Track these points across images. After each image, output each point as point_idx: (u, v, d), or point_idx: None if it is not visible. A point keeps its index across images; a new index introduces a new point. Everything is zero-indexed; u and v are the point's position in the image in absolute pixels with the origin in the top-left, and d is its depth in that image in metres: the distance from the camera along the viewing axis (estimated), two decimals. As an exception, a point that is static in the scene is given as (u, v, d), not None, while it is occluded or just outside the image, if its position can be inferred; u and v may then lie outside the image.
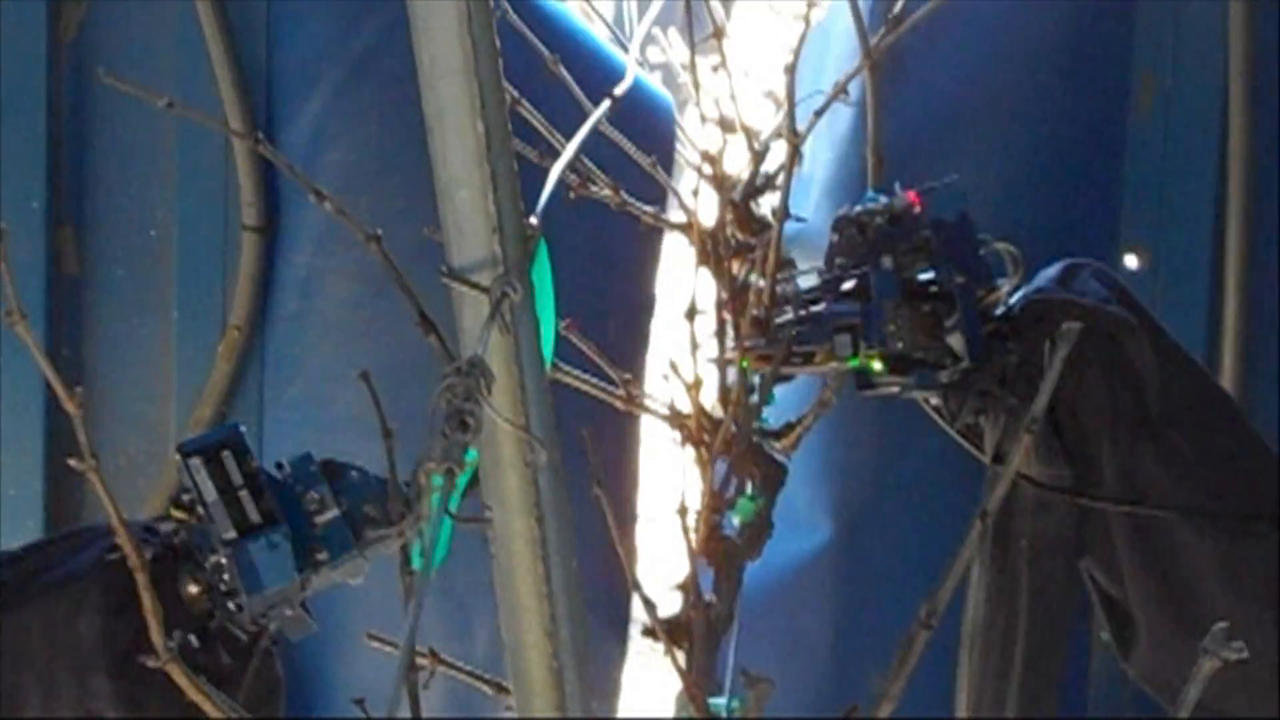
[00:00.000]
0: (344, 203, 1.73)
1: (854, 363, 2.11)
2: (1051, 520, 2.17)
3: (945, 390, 2.12)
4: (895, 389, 2.10)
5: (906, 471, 2.82)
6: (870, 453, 2.83)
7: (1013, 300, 2.12)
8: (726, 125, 2.69)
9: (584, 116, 2.17)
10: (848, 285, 2.14)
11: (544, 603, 1.55)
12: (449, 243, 1.47)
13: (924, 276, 2.10)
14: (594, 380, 2.36)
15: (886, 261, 2.11)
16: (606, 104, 2.06)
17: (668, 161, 2.70)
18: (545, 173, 1.70)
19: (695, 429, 2.31)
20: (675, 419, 2.33)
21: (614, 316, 2.85)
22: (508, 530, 1.54)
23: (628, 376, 2.38)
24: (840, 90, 2.41)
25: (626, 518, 2.88)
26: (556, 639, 1.56)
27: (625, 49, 2.70)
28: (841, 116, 2.73)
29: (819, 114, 2.39)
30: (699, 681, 2.00)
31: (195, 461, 1.67)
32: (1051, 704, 2.21)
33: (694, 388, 2.29)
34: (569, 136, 1.84)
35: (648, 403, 2.42)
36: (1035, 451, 2.11)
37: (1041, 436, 2.09)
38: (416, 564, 1.89)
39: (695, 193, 2.43)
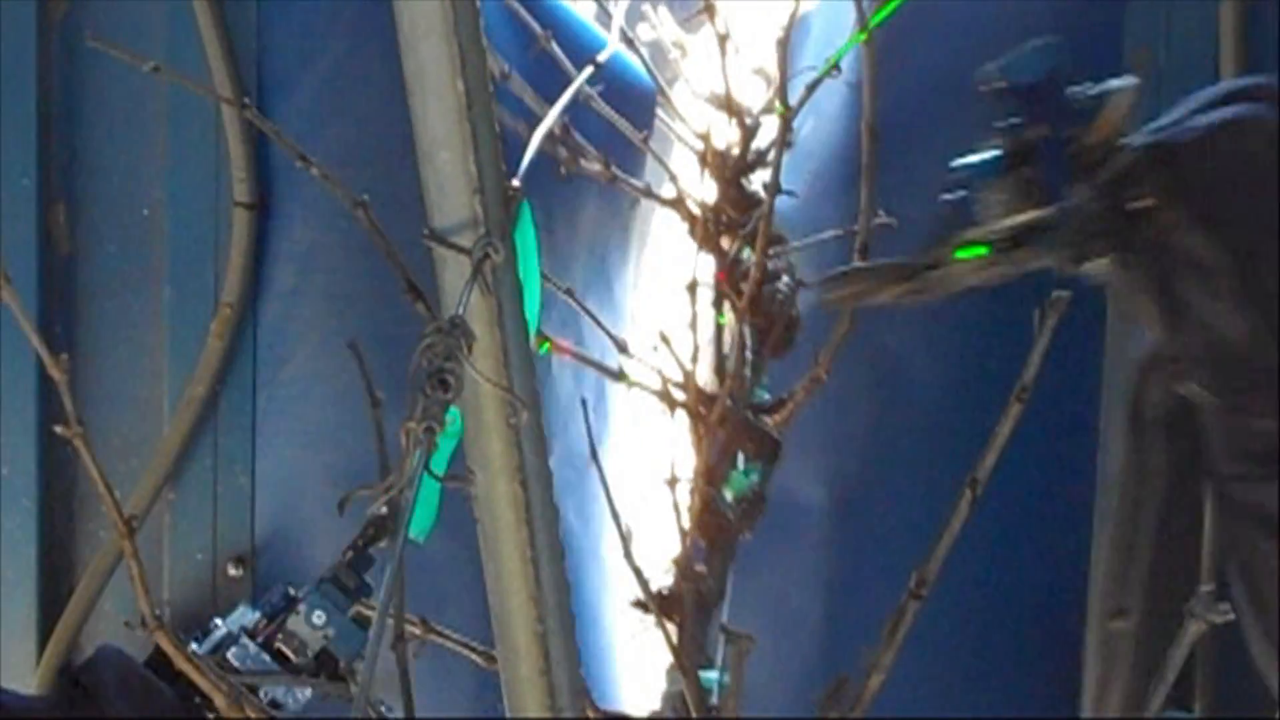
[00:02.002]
0: (343, 178, 1.72)
1: (961, 254, 2.13)
2: (1160, 387, 2.19)
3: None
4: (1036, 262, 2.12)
5: (900, 443, 2.82)
6: (864, 424, 2.82)
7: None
8: (717, 102, 2.69)
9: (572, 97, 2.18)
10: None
11: (528, 566, 1.54)
12: (430, 205, 1.46)
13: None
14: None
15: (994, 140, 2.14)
16: (589, 70, 2.06)
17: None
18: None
19: (691, 402, 2.31)
20: (666, 394, 2.33)
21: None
22: (492, 494, 1.53)
23: (624, 341, 2.39)
24: (832, 65, 2.41)
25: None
26: (541, 603, 1.56)
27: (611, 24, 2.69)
28: (833, 93, 2.72)
29: (811, 88, 2.39)
30: (690, 653, 2.01)
31: None
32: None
33: (693, 359, 2.29)
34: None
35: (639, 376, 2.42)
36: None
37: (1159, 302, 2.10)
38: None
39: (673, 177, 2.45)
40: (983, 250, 2.10)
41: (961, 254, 2.12)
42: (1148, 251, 2.07)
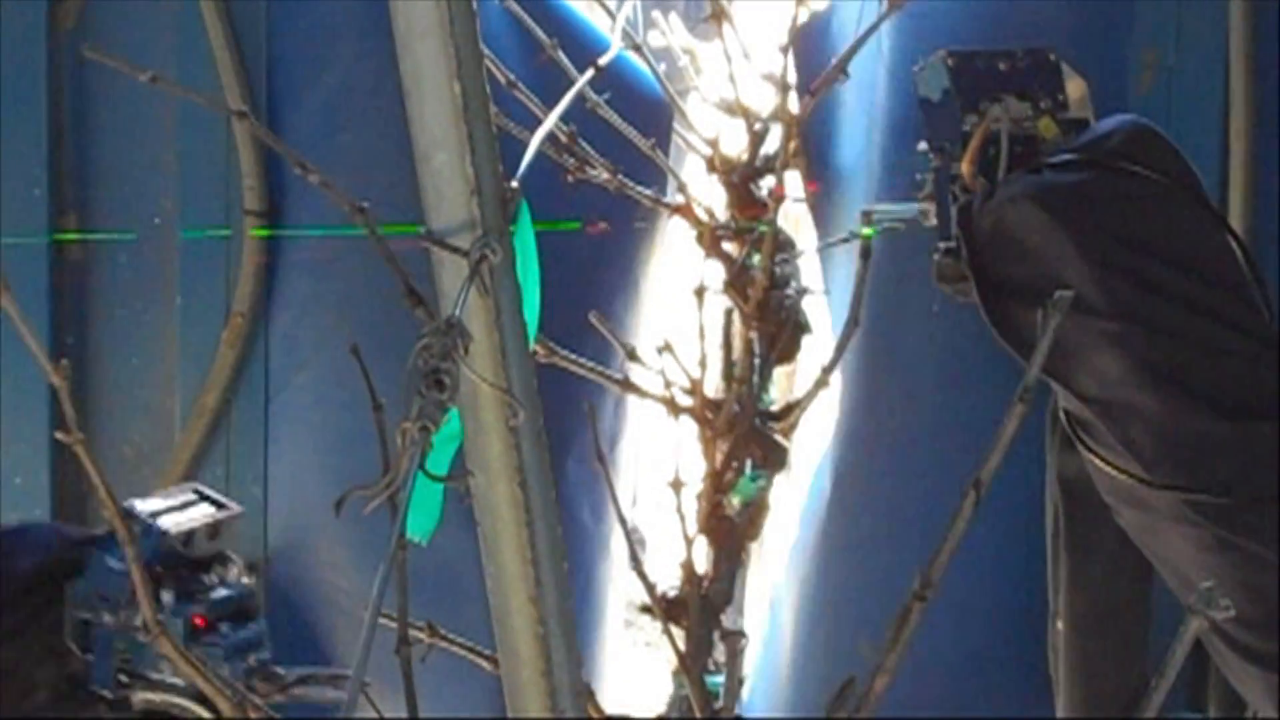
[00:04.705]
0: (355, 186, 1.72)
1: None
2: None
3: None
4: None
5: (898, 436, 2.82)
6: (862, 417, 2.82)
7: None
8: (727, 107, 2.69)
9: (582, 104, 2.18)
10: None
11: (529, 568, 1.54)
12: (427, 206, 1.46)
13: None
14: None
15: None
16: (591, 72, 2.05)
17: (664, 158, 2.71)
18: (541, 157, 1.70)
19: (698, 408, 2.31)
20: (670, 400, 2.32)
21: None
22: (491, 496, 1.53)
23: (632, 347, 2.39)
24: (840, 68, 2.40)
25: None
26: (542, 604, 1.55)
27: (624, 32, 2.69)
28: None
29: (813, 94, 2.38)
30: (696, 657, 2.00)
31: None
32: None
33: (700, 365, 2.29)
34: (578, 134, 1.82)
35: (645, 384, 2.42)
36: None
37: None
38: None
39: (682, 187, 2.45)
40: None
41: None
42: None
